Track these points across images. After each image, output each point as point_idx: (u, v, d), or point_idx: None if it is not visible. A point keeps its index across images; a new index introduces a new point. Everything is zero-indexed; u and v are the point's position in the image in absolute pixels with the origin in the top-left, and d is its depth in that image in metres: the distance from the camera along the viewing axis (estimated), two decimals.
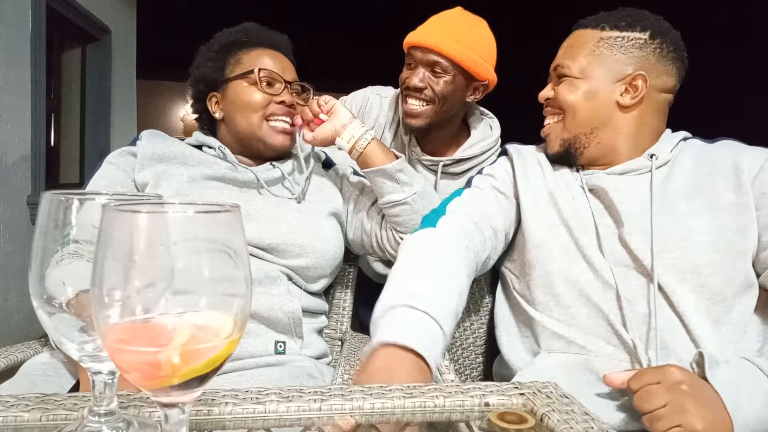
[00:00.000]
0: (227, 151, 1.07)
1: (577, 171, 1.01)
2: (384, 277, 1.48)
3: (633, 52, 0.93)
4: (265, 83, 1.04)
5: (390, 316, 0.78)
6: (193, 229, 0.35)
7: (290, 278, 1.01)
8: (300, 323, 0.97)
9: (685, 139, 1.00)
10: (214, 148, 1.08)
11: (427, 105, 1.33)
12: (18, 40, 2.49)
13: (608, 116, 0.95)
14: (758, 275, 0.88)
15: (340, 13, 5.38)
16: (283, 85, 1.06)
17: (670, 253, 0.86)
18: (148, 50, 4.12)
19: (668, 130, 1.00)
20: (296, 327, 0.97)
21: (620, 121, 0.95)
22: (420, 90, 1.32)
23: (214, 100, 1.09)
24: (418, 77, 1.31)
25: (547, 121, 1.02)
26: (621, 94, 0.94)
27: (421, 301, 0.79)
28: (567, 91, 0.96)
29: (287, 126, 1.07)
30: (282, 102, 1.05)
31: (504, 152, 1.12)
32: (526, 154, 1.06)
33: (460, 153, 1.41)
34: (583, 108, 0.95)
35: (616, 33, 0.95)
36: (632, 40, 0.94)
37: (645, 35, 0.94)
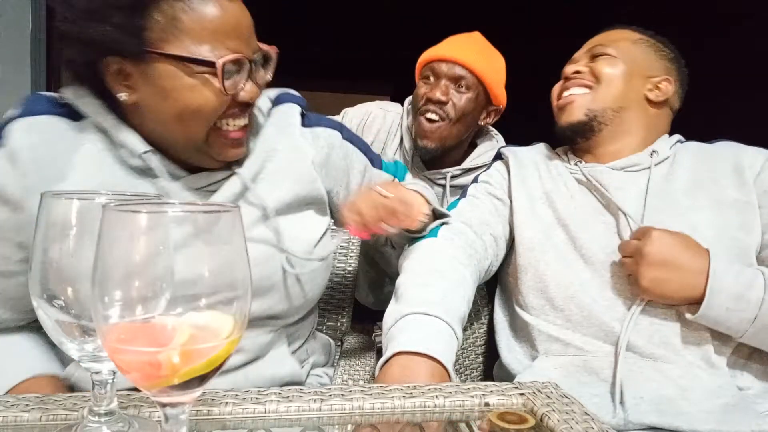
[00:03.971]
0: (155, 160, 0.70)
1: (576, 165, 1.01)
2: (381, 304, 1.49)
3: (665, 63, 1.01)
4: (227, 81, 0.66)
5: (401, 325, 0.78)
6: (193, 229, 0.35)
7: (278, 318, 0.80)
8: (300, 376, 0.84)
9: (681, 141, 1.02)
10: (138, 156, 0.69)
11: (442, 121, 1.33)
12: (18, 40, 2.49)
13: (637, 101, 0.99)
14: None
15: (339, 14, 5.38)
16: (248, 71, 0.69)
17: None
18: None
19: (665, 135, 1.03)
20: (297, 380, 0.84)
21: (644, 111, 0.99)
22: (442, 104, 1.32)
23: (115, 68, 0.65)
24: (440, 90, 1.32)
25: (571, 91, 1.01)
26: (649, 90, 0.99)
27: (432, 306, 0.79)
28: (607, 64, 0.98)
29: (240, 132, 0.72)
30: (243, 102, 0.70)
31: (499, 156, 1.12)
32: (521, 156, 1.06)
33: (468, 163, 1.42)
34: (620, 84, 0.98)
35: (653, 41, 1.02)
36: (665, 51, 1.01)
37: (674, 54, 1.02)
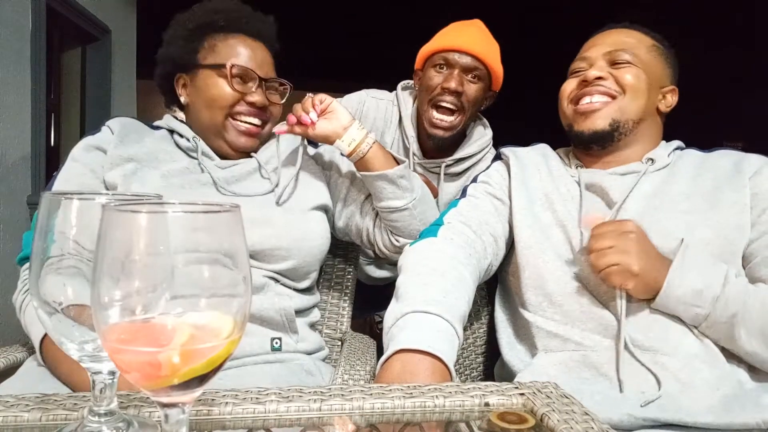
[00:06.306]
0: (201, 143, 1.00)
1: (577, 169, 1.01)
2: (375, 280, 1.51)
3: (671, 72, 1.02)
4: (236, 80, 0.97)
5: (402, 324, 0.78)
6: (192, 229, 0.35)
7: (277, 281, 0.98)
8: (293, 319, 0.97)
9: (680, 148, 1.03)
10: (188, 139, 1.00)
11: (457, 115, 1.38)
12: (18, 40, 2.49)
13: (652, 112, 1.00)
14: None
15: (343, 14, 5.38)
16: (257, 83, 0.98)
17: (670, 248, 0.87)
18: (148, 50, 4.10)
19: (663, 141, 1.04)
20: (290, 323, 0.96)
21: (654, 121, 1.01)
22: (458, 94, 1.35)
23: (181, 81, 1.02)
24: (456, 81, 1.35)
25: (596, 99, 0.98)
26: (660, 100, 1.00)
27: (433, 305, 0.80)
28: (632, 75, 0.97)
29: (252, 127, 1.00)
30: (251, 103, 0.98)
31: (498, 156, 1.12)
32: (522, 156, 1.06)
33: (460, 153, 1.45)
34: (643, 95, 0.97)
35: (662, 48, 1.01)
36: (671, 59, 1.01)
37: (676, 61, 1.02)
